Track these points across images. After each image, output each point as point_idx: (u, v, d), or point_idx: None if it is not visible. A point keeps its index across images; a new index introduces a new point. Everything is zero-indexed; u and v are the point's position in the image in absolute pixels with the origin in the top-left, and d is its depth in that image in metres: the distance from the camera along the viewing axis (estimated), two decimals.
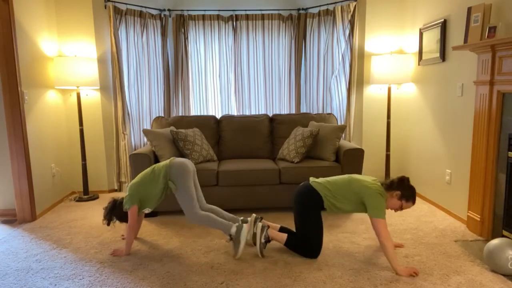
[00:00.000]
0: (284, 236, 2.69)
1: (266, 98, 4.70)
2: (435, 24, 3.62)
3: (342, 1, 4.34)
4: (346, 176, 2.64)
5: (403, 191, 2.49)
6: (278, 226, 2.85)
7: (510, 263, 2.28)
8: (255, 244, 2.65)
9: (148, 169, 2.84)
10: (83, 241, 3.00)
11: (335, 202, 2.56)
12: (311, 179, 2.70)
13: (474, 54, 3.05)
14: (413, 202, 2.52)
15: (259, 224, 2.65)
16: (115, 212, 2.81)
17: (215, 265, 2.56)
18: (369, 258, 2.61)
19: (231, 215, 2.90)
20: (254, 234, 2.65)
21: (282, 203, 3.60)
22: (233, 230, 2.65)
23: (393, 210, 2.71)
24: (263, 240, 2.62)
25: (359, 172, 3.55)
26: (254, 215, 2.73)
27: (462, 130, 3.26)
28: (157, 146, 3.60)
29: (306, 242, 2.61)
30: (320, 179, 2.68)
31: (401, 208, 2.52)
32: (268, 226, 2.70)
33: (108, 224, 2.82)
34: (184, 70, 4.54)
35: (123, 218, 2.83)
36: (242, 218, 2.90)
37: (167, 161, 2.82)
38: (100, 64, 4.25)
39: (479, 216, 2.94)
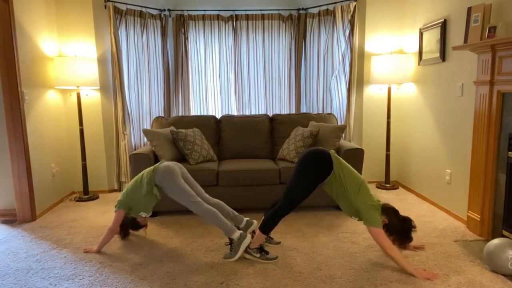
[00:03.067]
0: (258, 233, 2.60)
1: (266, 98, 4.70)
2: (435, 24, 3.62)
3: (342, 1, 4.34)
4: (361, 178, 2.55)
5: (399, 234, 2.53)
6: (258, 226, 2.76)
7: (510, 263, 2.28)
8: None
9: (139, 174, 2.88)
10: (83, 241, 3.00)
11: (337, 185, 2.50)
12: (332, 151, 2.59)
13: (474, 54, 3.05)
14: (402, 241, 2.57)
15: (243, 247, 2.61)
16: (126, 226, 2.96)
17: (215, 265, 2.55)
18: (369, 258, 2.61)
19: (236, 213, 2.90)
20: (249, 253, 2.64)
21: None
22: (236, 236, 2.60)
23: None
24: (257, 255, 2.59)
25: (359, 172, 3.55)
26: (249, 236, 2.64)
27: (462, 130, 3.26)
28: (157, 146, 3.60)
29: (286, 198, 2.51)
30: (340, 158, 2.58)
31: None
32: (249, 245, 2.62)
33: (123, 238, 3.03)
34: (184, 70, 4.54)
35: (135, 226, 3.00)
36: (247, 219, 2.90)
37: (153, 166, 2.84)
38: (100, 64, 4.25)
39: (479, 216, 2.94)
